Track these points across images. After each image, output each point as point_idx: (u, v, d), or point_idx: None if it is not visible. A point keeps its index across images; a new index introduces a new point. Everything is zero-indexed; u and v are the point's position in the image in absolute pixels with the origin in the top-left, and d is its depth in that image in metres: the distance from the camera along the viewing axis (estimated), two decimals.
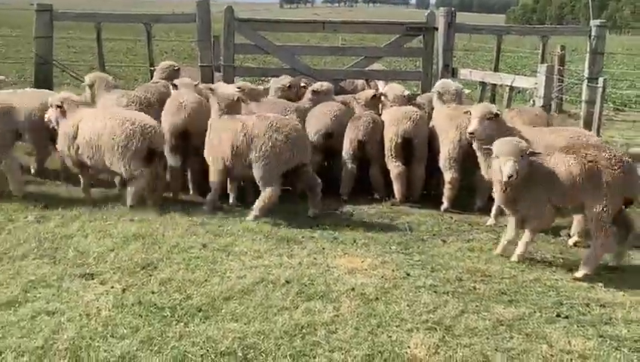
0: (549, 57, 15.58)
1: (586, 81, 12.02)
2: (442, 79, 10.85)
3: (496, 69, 14.34)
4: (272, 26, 13.04)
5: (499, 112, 8.32)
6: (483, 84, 13.29)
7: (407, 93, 10.44)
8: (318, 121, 9.88)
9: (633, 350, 5.76)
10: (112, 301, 6.21)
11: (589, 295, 6.88)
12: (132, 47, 28.87)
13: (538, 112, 9.89)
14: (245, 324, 5.88)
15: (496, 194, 7.77)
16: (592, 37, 11.94)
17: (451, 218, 9.12)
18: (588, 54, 12.13)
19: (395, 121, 9.56)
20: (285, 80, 11.05)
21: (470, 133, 8.22)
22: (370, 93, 10.51)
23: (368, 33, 16.77)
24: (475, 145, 8.31)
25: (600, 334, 6.03)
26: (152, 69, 12.31)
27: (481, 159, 8.27)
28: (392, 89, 10.40)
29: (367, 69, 12.59)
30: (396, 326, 5.96)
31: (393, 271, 7.21)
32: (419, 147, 9.59)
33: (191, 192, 9.72)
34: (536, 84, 11.07)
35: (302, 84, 10.89)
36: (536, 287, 7.00)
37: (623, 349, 5.77)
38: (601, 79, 10.96)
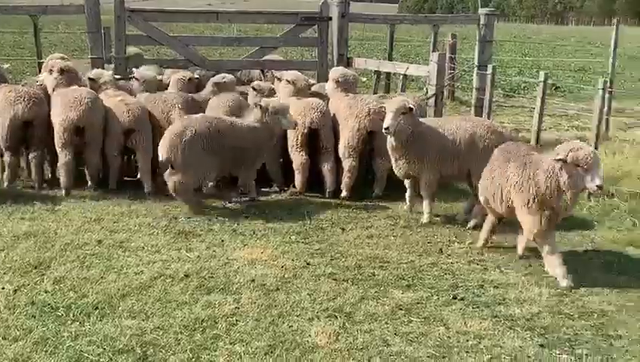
0: (441, 46, 15.88)
1: (476, 68, 12.32)
2: (337, 67, 10.90)
3: (390, 58, 14.53)
4: (164, 16, 12.80)
5: (413, 106, 8.46)
6: (378, 72, 13.44)
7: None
8: (212, 112, 9.77)
9: (526, 328, 5.95)
10: (2, 302, 5.99)
11: (484, 276, 7.07)
12: (19, 39, 27.84)
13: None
14: (143, 320, 5.77)
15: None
16: (481, 25, 12.24)
17: (350, 206, 9.19)
18: (477, 43, 12.43)
19: (301, 112, 9.53)
20: (186, 73, 10.84)
21: (385, 129, 8.27)
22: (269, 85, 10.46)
23: (263, 23, 16.71)
24: (389, 140, 8.43)
25: (494, 314, 6.21)
26: (41, 61, 11.89)
27: (390, 151, 8.43)
28: (297, 78, 10.27)
29: (263, 59, 12.52)
30: (297, 316, 5.98)
31: (293, 260, 7.22)
32: (325, 137, 9.61)
33: (89, 184, 9.42)
34: (428, 72, 11.28)
35: (195, 77, 10.70)
36: (433, 271, 7.15)
37: (516, 328, 5.96)
38: (490, 66, 11.24)
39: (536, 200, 6.86)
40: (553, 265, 6.93)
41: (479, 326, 5.95)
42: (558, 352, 5.58)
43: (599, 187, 6.59)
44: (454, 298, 6.52)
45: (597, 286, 6.87)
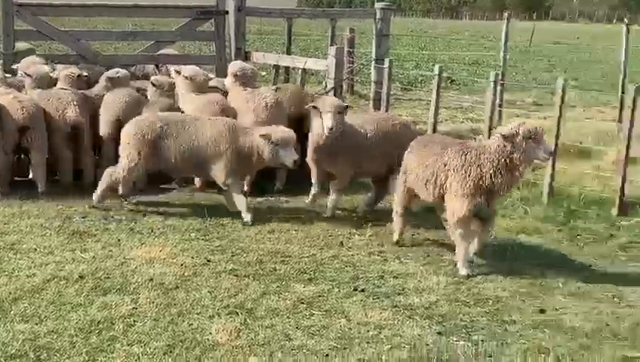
0: (339, 40, 16.00)
1: (374, 62, 12.46)
2: (235, 62, 10.80)
3: (288, 52, 14.54)
4: (53, 10, 12.35)
5: (348, 105, 8.68)
6: (277, 67, 13.41)
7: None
8: (108, 109, 9.53)
9: (424, 317, 6.05)
10: None
11: (384, 267, 7.15)
12: None
13: None
14: (37, 324, 5.57)
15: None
16: (377, 19, 12.37)
17: (251, 201, 9.13)
18: (374, 37, 12.57)
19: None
20: (74, 70, 10.48)
21: (330, 129, 8.15)
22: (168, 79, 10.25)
23: (158, 17, 16.41)
24: (317, 139, 8.42)
25: (394, 304, 6.28)
26: None
27: (315, 149, 8.49)
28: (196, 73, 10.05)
29: (158, 53, 12.30)
30: (197, 314, 5.89)
31: (193, 258, 7.13)
32: None
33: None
34: (327, 66, 11.33)
35: (84, 74, 10.32)
36: (334, 264, 7.19)
37: (415, 317, 6.04)
38: (387, 60, 11.39)
39: (475, 183, 6.97)
40: (460, 252, 7.08)
41: (379, 317, 6.01)
42: (455, 339, 5.69)
43: (550, 154, 7.05)
44: (355, 290, 6.57)
45: (492, 273, 7.05)
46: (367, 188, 9.08)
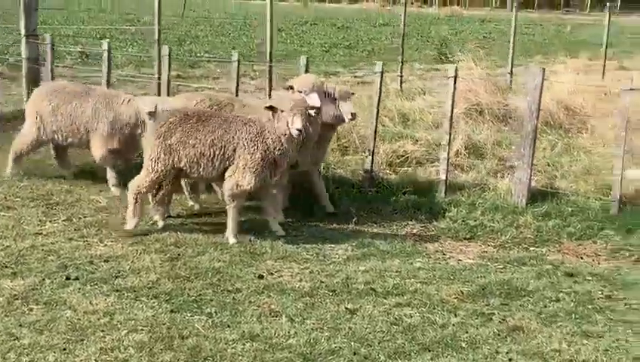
0: None
1: (24, 38, 11.60)
2: None
3: None
4: None
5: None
6: None
7: None
8: None
9: (151, 297, 5.93)
10: None
11: (90, 252, 6.84)
12: None
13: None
14: None
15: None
16: None
17: None
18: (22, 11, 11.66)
19: None
20: None
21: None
22: None
23: None
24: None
25: (115, 288, 6.06)
26: None
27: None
28: None
29: None
30: None
31: None
32: None
33: None
34: None
35: None
36: (35, 254, 6.70)
37: (142, 298, 5.90)
38: (48, 36, 10.69)
39: (263, 155, 7.07)
40: (233, 222, 7.23)
41: (105, 303, 5.77)
42: (189, 315, 5.67)
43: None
44: (68, 279, 6.21)
45: (201, 245, 7.10)
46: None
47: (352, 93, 8.11)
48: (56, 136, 8.80)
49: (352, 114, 7.89)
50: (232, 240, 7.21)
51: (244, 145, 7.10)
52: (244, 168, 7.10)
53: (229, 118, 7.33)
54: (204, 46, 23.75)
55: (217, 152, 7.14)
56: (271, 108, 7.13)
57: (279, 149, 7.11)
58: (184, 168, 7.25)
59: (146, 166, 7.30)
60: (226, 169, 7.21)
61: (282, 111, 7.02)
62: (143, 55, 18.36)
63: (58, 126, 8.70)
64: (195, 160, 7.18)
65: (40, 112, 8.72)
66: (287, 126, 6.99)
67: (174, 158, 7.20)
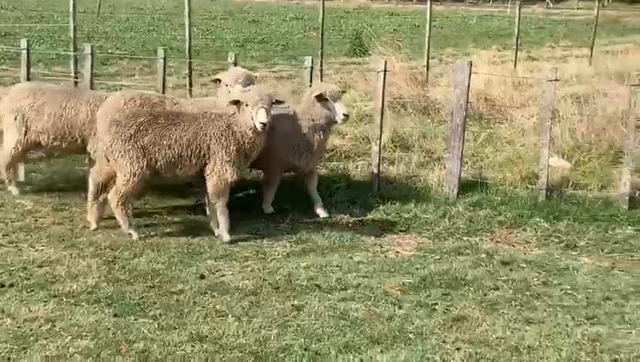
0: None
1: None
2: None
3: None
4: None
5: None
6: None
7: None
8: None
9: (92, 302, 5.77)
10: None
11: (22, 258, 6.63)
12: None
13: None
14: None
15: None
16: None
17: None
18: None
19: None
20: None
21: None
22: None
23: None
24: None
25: (54, 294, 5.89)
26: None
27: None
28: None
29: None
30: None
31: None
32: None
33: None
34: None
35: None
36: None
37: (82, 304, 5.74)
38: None
39: (236, 147, 7.06)
40: (224, 220, 7.19)
41: (45, 310, 5.60)
42: (134, 318, 5.55)
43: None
44: (2, 286, 5.99)
45: (136, 247, 6.96)
46: None
47: (344, 92, 8.08)
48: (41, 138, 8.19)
49: (344, 114, 7.79)
50: (226, 237, 7.18)
51: (217, 140, 7.05)
52: (222, 162, 7.05)
53: (197, 116, 7.23)
54: (115, 42, 23.24)
55: (194, 151, 7.06)
56: (236, 102, 7.08)
57: (248, 142, 7.12)
58: (159, 169, 7.11)
59: (122, 172, 7.04)
60: (202, 167, 7.13)
61: (247, 104, 6.98)
62: (52, 53, 17.87)
63: (44, 127, 8.11)
64: (172, 161, 7.06)
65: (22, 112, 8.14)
66: (252, 119, 6.97)
67: (149, 160, 7.03)
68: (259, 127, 6.97)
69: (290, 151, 7.84)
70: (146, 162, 7.01)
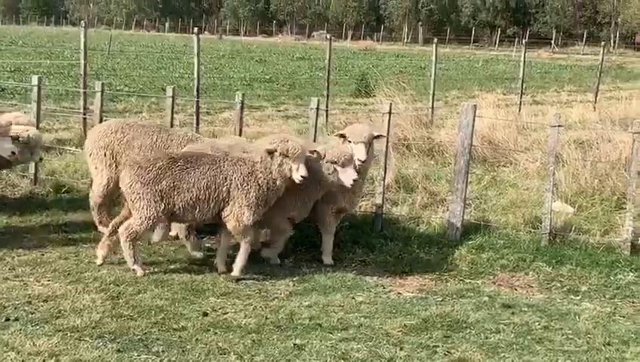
0: None
1: None
2: None
3: None
4: None
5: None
6: None
7: None
8: None
9: (95, 337, 5.81)
10: None
11: (27, 292, 6.67)
12: None
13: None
14: None
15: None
16: None
17: None
18: None
19: None
20: None
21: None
22: None
23: None
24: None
25: (58, 329, 5.93)
26: None
27: None
28: None
29: None
30: None
31: None
32: None
33: None
34: None
35: None
36: None
37: (85, 339, 5.78)
38: None
39: (257, 193, 7.10)
40: (242, 258, 7.29)
41: (49, 344, 5.63)
42: (136, 354, 5.59)
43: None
44: (7, 320, 6.04)
45: (139, 283, 7.01)
46: None
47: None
48: None
49: (359, 159, 7.65)
50: (236, 273, 7.27)
51: (237, 185, 7.11)
52: (240, 207, 7.12)
53: (217, 159, 7.27)
54: (123, 79, 23.52)
55: (212, 195, 7.11)
56: (270, 152, 7.11)
57: (272, 189, 7.18)
58: (177, 212, 7.18)
59: (137, 213, 7.11)
60: (220, 210, 7.19)
61: (286, 156, 7.04)
62: (62, 88, 18.09)
63: None
64: (191, 204, 7.12)
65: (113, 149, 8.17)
66: (290, 171, 7.06)
67: (167, 203, 7.10)
68: (298, 179, 7.06)
69: (337, 194, 7.85)
70: (163, 206, 7.09)
